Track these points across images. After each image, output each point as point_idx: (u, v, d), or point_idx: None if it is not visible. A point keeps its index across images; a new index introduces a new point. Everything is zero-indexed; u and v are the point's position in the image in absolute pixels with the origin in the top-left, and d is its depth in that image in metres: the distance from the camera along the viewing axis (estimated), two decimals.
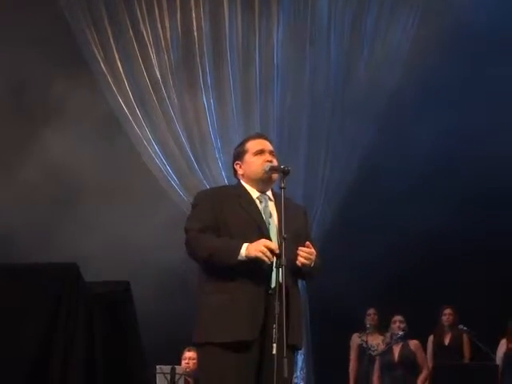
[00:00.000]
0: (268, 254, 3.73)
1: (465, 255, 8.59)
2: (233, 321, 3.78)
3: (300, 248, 3.85)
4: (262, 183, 4.04)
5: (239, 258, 3.76)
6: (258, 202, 4.03)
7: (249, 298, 3.79)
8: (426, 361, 8.18)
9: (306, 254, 3.85)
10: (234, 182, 4.23)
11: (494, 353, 7.71)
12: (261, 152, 4.06)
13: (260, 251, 3.73)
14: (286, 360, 3.62)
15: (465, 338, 8.16)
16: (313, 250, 3.88)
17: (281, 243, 3.77)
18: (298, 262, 3.84)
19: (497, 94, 8.40)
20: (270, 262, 3.74)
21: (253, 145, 4.11)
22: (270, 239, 3.85)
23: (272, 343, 3.68)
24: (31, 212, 8.53)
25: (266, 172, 4.00)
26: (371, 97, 8.65)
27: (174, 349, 7.38)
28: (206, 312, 3.87)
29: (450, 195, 8.65)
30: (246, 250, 3.77)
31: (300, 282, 8.46)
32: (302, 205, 4.26)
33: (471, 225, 8.59)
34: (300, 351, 8.36)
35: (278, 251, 3.75)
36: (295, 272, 3.93)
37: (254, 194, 4.05)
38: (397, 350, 8.11)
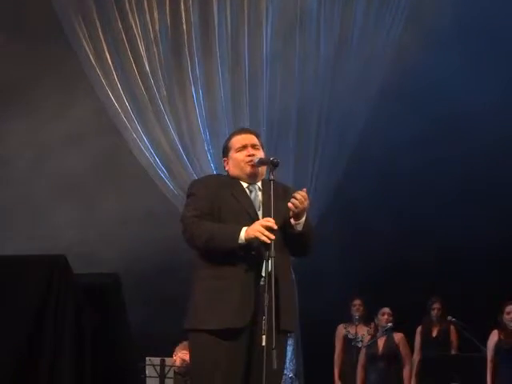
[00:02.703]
0: (266, 232, 3.77)
1: (455, 245, 8.60)
2: (224, 308, 3.83)
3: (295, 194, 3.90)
4: (248, 177, 4.12)
5: (239, 241, 3.81)
6: (248, 191, 4.09)
7: (241, 286, 3.85)
8: (410, 354, 8.23)
9: (300, 197, 3.87)
10: (224, 173, 4.30)
11: (485, 343, 7.74)
12: (243, 148, 4.13)
13: (258, 231, 3.78)
14: (274, 352, 3.65)
15: (452, 329, 8.20)
16: (305, 194, 3.90)
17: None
18: (289, 205, 3.88)
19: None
20: (269, 241, 3.77)
21: (235, 141, 4.20)
22: None
23: (261, 334, 3.71)
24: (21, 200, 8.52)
25: (252, 165, 4.07)
26: (361, 87, 8.64)
27: (165, 341, 7.37)
28: (198, 298, 3.93)
29: (441, 188, 8.69)
30: (245, 233, 3.81)
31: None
32: (286, 185, 4.27)
33: (462, 213, 8.62)
34: (290, 343, 8.42)
35: (275, 227, 3.79)
36: (286, 242, 3.98)
37: (244, 184, 4.13)
38: (381, 342, 8.18)
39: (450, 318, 8.03)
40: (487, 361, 7.60)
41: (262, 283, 3.83)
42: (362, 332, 8.34)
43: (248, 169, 4.09)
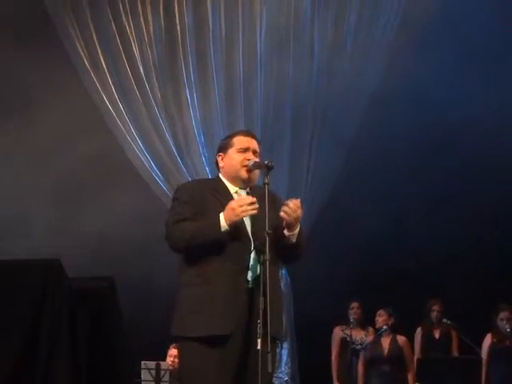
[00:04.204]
0: (249, 207, 3.78)
1: (452, 248, 8.60)
2: (208, 315, 3.78)
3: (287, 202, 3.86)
4: (239, 180, 4.05)
5: (222, 229, 3.79)
6: (236, 196, 4.03)
7: (227, 292, 3.80)
8: (413, 358, 8.19)
9: (292, 205, 3.83)
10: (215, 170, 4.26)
11: (479, 346, 7.75)
12: (244, 150, 4.07)
13: (241, 211, 3.78)
14: (270, 355, 3.62)
15: (453, 332, 8.20)
16: (298, 203, 3.85)
17: (264, 239, 3.75)
18: (281, 214, 3.83)
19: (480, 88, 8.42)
20: (255, 212, 3.77)
21: (239, 141, 4.11)
22: (246, 232, 3.88)
23: (255, 338, 3.69)
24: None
25: (247, 169, 4.01)
26: (355, 88, 8.64)
27: (160, 344, 7.35)
28: (184, 305, 3.88)
29: (437, 186, 8.69)
30: (224, 219, 3.80)
31: (285, 278, 8.53)
32: (274, 194, 4.16)
33: (458, 216, 8.62)
34: (285, 346, 8.42)
35: (254, 200, 3.79)
36: (278, 251, 3.93)
37: (232, 188, 4.07)
38: (386, 344, 8.11)
39: (445, 320, 8.03)
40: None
41: (250, 286, 3.81)
42: (360, 335, 8.32)
43: (243, 173, 4.01)
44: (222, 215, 3.80)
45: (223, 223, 3.79)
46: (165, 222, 3.98)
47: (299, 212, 3.86)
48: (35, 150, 8.64)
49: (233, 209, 3.79)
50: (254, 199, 3.79)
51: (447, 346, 8.20)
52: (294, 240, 3.91)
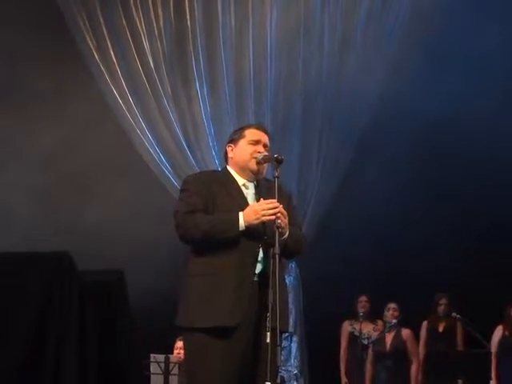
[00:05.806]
0: (270, 211, 3.77)
1: (459, 240, 8.58)
2: (215, 306, 3.79)
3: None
4: (248, 172, 4.07)
5: (240, 229, 3.81)
6: (244, 188, 4.06)
7: (234, 284, 3.81)
8: (417, 351, 8.20)
9: (283, 211, 3.82)
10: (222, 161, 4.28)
11: (488, 339, 7.72)
12: (256, 142, 4.09)
13: (262, 216, 3.78)
14: (279, 348, 3.63)
15: (459, 325, 8.18)
16: (284, 212, 3.83)
17: (274, 234, 3.76)
18: (278, 222, 3.80)
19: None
20: (275, 217, 3.76)
21: (251, 133, 4.14)
22: (257, 225, 3.85)
23: (261, 331, 3.69)
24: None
25: (257, 162, 4.02)
26: (364, 83, 8.62)
27: (167, 337, 7.36)
28: (190, 295, 3.89)
29: (447, 181, 8.67)
30: (243, 220, 3.81)
31: (294, 271, 8.53)
32: (287, 189, 4.22)
33: (464, 209, 8.60)
34: (294, 339, 8.45)
35: (277, 204, 3.79)
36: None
37: (240, 180, 4.09)
38: (389, 339, 8.13)
39: (454, 314, 8.00)
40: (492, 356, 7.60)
41: (255, 279, 3.82)
42: (368, 329, 8.31)
43: (253, 165, 4.03)
44: (241, 215, 3.82)
45: (242, 223, 3.81)
46: (174, 212, 3.98)
47: (286, 220, 3.86)
48: (39, 145, 8.64)
49: (255, 211, 3.81)
50: (278, 204, 3.79)
51: (451, 340, 8.18)
52: (286, 232, 3.89)
